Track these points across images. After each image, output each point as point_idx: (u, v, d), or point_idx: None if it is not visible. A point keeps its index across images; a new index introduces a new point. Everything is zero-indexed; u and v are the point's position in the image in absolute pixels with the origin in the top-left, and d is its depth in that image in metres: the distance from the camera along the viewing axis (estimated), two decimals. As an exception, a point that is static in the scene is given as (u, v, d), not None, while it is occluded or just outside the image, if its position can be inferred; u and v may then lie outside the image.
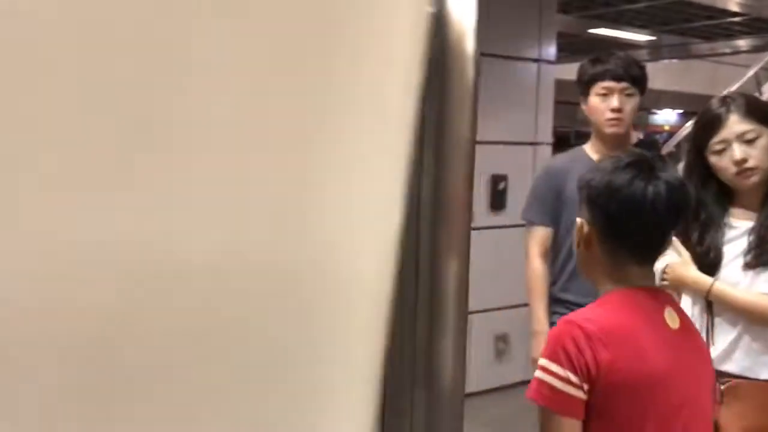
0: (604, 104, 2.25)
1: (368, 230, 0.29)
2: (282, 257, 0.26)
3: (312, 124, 0.26)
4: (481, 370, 4.40)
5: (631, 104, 2.27)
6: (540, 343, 2.14)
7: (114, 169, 0.25)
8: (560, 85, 5.07)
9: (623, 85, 2.25)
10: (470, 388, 3.90)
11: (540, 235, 2.32)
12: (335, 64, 0.27)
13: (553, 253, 2.34)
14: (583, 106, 2.33)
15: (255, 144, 0.25)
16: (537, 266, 2.30)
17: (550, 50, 4.84)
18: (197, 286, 0.26)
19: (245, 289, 0.26)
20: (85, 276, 0.26)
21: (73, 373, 0.28)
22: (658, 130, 17.03)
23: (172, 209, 0.25)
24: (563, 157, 2.48)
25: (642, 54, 9.59)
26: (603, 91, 2.25)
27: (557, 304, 2.28)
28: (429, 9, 0.37)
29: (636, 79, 2.29)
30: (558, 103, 5.16)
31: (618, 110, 2.22)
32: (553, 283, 2.34)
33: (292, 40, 0.25)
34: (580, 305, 2.00)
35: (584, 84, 2.30)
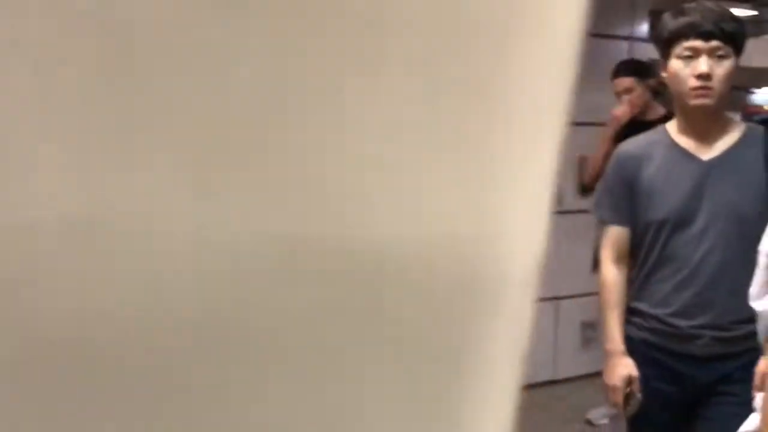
0: (687, 69, 1.79)
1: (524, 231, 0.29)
2: (459, 255, 0.26)
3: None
4: (567, 357, 4.42)
5: (723, 69, 1.80)
6: (615, 366, 1.89)
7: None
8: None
9: (713, 44, 1.78)
10: (557, 374, 3.94)
11: (614, 235, 1.96)
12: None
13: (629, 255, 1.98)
14: (663, 74, 1.91)
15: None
16: (610, 274, 1.97)
17: (642, 27, 4.71)
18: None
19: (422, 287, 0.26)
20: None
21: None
22: (757, 111, 17.54)
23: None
24: (638, 141, 2.01)
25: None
26: (687, 53, 1.79)
27: (630, 313, 1.97)
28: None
29: (730, 35, 1.81)
30: None
31: (706, 76, 1.76)
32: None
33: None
34: (653, 316, 1.90)
35: (663, 44, 1.86)
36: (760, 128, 1.92)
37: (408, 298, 0.24)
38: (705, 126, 1.84)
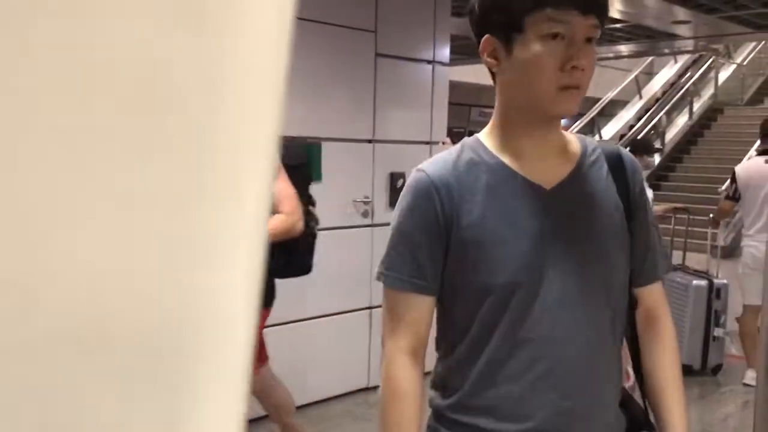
0: (551, 57, 1.13)
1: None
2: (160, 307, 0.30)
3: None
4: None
5: (592, 60, 1.17)
6: None
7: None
8: (455, 87, 5.22)
9: (591, 21, 1.14)
10: (372, 381, 4.47)
11: (412, 311, 1.27)
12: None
13: None
14: (489, 59, 1.22)
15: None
16: (403, 374, 1.26)
17: (444, 52, 4.78)
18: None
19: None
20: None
21: None
22: None
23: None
24: (445, 162, 1.26)
25: None
26: (552, 30, 1.12)
27: None
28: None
29: (605, 11, 1.19)
30: (452, 104, 4.97)
31: (581, 70, 1.14)
32: None
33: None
34: None
35: (503, 10, 1.17)
36: (590, 139, 1.31)
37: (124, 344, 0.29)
38: (548, 141, 1.21)
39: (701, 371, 5.07)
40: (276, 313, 4.07)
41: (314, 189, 4.19)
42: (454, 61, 5.99)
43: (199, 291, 0.31)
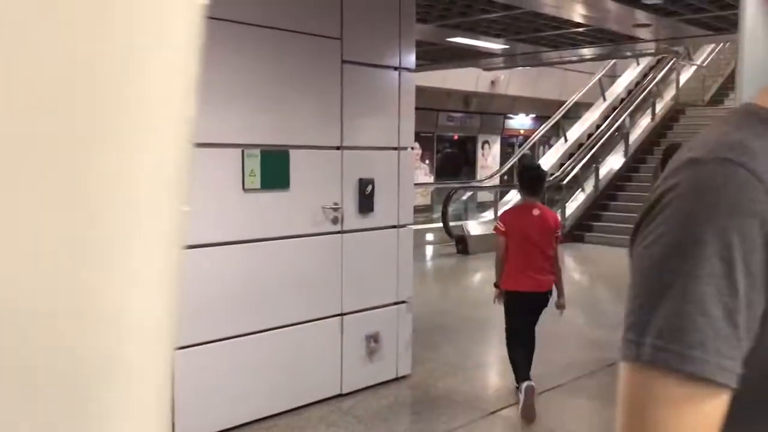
0: None
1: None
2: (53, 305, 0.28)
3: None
4: (354, 370, 4.68)
5: None
6: None
7: None
8: (422, 91, 4.77)
9: None
10: (344, 388, 4.55)
11: (707, 412, 0.70)
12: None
13: None
14: None
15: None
16: None
17: (410, 58, 4.80)
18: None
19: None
20: None
21: None
22: (514, 133, 18.58)
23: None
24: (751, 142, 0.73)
25: (498, 62, 10.08)
26: None
27: None
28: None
29: None
30: (419, 109, 4.97)
31: None
32: None
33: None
34: None
35: None
36: None
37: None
38: None
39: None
40: (243, 323, 4.07)
41: (283, 196, 4.20)
42: (420, 66, 6.01)
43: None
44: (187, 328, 3.76)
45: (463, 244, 11.05)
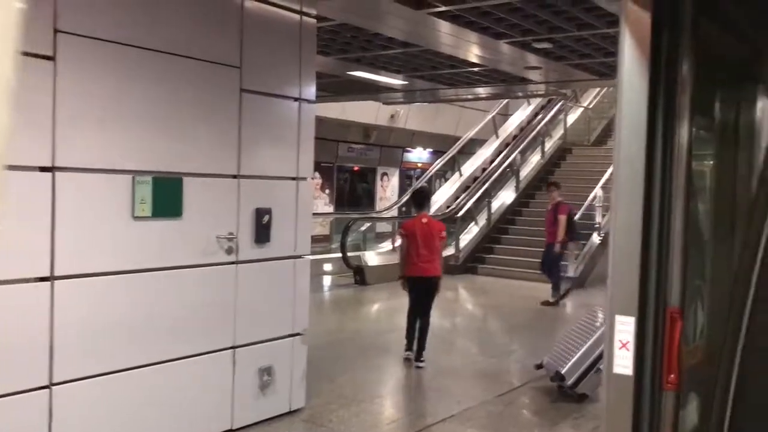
0: None
1: None
2: None
3: None
4: (245, 404, 4.55)
5: None
6: None
7: None
8: (323, 122, 4.81)
9: None
10: (234, 423, 4.41)
11: None
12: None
13: None
14: None
15: None
16: None
17: (311, 90, 4.80)
18: None
19: None
20: None
21: None
22: (412, 166, 19.29)
23: None
24: None
25: (397, 96, 10.40)
26: None
27: None
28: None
29: None
30: (320, 139, 5.03)
31: None
32: None
33: None
34: None
35: None
36: None
37: None
38: None
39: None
40: (129, 357, 3.87)
41: (175, 225, 4.07)
42: (321, 97, 6.05)
43: None
44: (68, 362, 3.56)
45: (361, 275, 11.08)
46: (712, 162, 2.08)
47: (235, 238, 4.39)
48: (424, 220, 6.61)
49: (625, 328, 1.79)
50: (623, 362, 1.80)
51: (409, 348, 6.54)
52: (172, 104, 3.99)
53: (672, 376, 1.78)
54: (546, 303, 9.86)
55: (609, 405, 1.86)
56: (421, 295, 6.57)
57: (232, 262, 4.43)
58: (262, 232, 4.53)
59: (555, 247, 9.86)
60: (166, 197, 3.96)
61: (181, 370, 4.17)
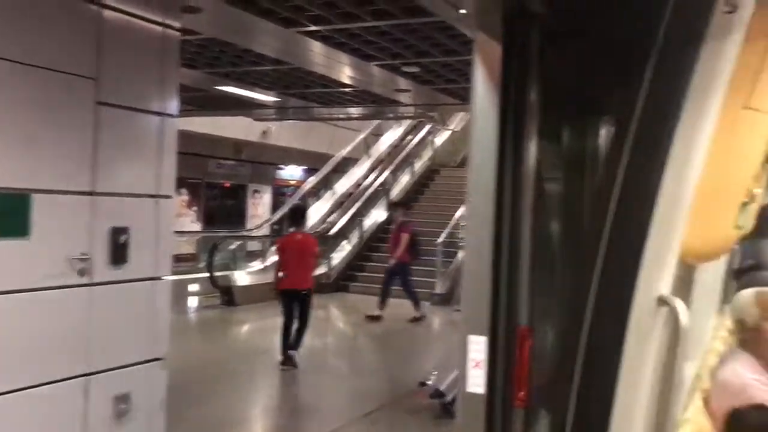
0: None
1: None
2: None
3: None
4: None
5: None
6: None
7: None
8: (191, 137, 4.36)
9: None
10: None
11: None
12: None
13: None
14: None
15: None
16: None
17: (173, 104, 4.53)
18: None
19: None
20: None
21: None
22: (285, 184, 18.98)
23: None
24: None
25: (269, 113, 10.18)
26: None
27: None
28: None
29: None
30: (188, 155, 4.07)
31: None
32: None
33: None
34: None
35: None
36: None
37: None
38: None
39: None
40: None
41: (21, 245, 3.78)
42: (187, 112, 5.84)
43: None
44: None
45: (229, 295, 10.80)
46: (559, 184, 2.19)
47: (88, 258, 4.13)
48: (299, 237, 7.20)
49: (478, 347, 1.84)
50: (476, 381, 1.84)
51: (282, 353, 7.10)
52: (17, 115, 3.71)
53: (522, 393, 1.84)
54: (413, 319, 10.04)
55: (463, 423, 1.90)
56: (295, 308, 7.15)
57: (86, 285, 4.16)
58: (118, 253, 4.28)
59: (389, 262, 10.22)
60: (10, 214, 3.67)
61: (25, 401, 3.85)
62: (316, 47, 6.21)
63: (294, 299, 7.06)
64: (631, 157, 1.53)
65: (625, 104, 1.56)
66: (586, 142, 2.16)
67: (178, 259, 4.77)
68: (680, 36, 1.46)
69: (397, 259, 10.10)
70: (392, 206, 10.69)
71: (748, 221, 1.56)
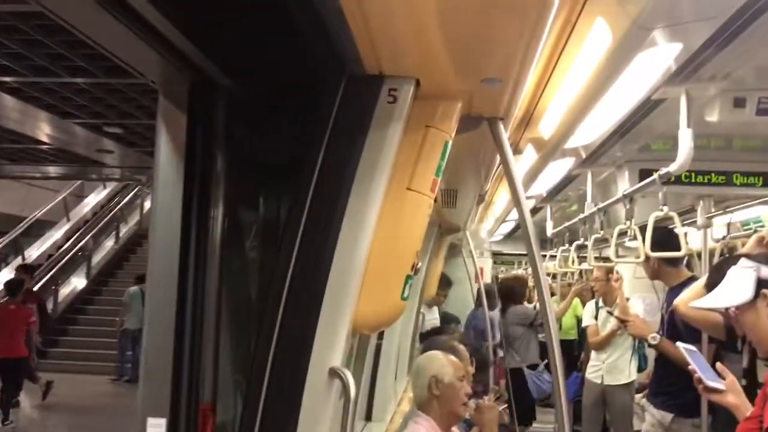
0: None
1: None
2: None
3: None
4: None
5: None
6: None
7: None
8: None
9: None
10: None
11: None
12: None
13: None
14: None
15: None
16: None
17: None
18: None
19: None
20: None
21: None
22: None
23: None
24: None
25: None
26: None
27: None
28: None
29: None
30: None
31: None
32: None
33: None
34: None
35: None
36: None
37: None
38: None
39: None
40: None
41: None
42: None
43: None
44: None
45: None
46: (243, 255, 2.18)
47: None
48: (12, 307, 7.84)
49: (157, 431, 1.72)
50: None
51: (5, 416, 7.67)
52: None
53: (202, 475, 1.75)
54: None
55: None
56: (10, 375, 7.77)
57: None
58: None
59: None
60: None
61: None
62: (7, 100, 5.68)
63: (7, 366, 7.64)
64: (304, 233, 1.59)
65: (302, 182, 1.63)
66: (269, 213, 2.20)
67: None
68: (348, 121, 1.57)
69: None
70: (17, 270, 9.91)
71: (413, 293, 1.73)
